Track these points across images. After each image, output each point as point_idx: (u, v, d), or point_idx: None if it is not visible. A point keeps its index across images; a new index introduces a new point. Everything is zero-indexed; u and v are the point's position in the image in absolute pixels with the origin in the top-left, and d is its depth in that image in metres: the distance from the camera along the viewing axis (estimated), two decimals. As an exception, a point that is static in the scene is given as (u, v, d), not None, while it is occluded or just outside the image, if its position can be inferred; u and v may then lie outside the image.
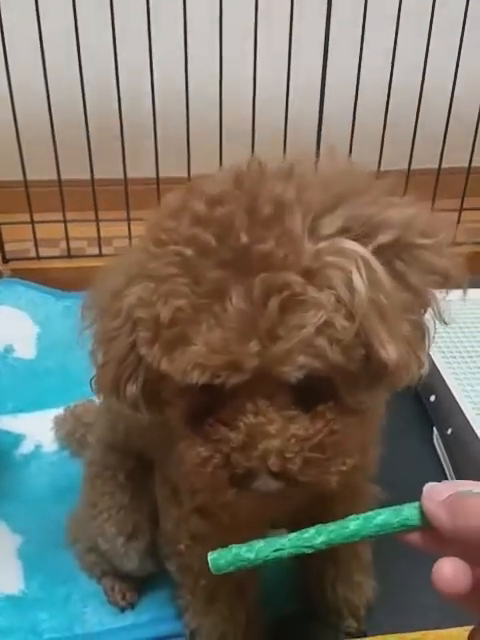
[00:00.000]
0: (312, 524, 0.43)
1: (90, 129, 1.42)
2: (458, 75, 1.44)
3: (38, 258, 1.55)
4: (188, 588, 0.81)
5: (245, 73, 1.39)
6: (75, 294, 1.37)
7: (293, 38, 1.37)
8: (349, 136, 1.46)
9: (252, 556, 0.43)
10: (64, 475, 1.11)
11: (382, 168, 1.45)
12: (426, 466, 1.09)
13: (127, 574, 0.92)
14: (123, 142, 1.44)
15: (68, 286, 1.44)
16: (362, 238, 0.52)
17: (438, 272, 0.55)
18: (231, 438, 0.52)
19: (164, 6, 1.34)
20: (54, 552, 0.98)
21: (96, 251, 1.55)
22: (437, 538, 0.41)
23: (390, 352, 0.51)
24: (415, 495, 0.42)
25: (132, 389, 0.59)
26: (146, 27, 1.32)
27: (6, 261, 1.55)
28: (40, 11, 1.29)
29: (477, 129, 1.52)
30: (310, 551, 0.43)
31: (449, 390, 1.13)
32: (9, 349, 1.34)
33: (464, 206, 1.56)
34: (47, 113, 1.40)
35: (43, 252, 1.55)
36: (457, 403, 1.10)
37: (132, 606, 0.94)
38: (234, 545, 0.43)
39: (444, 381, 1.14)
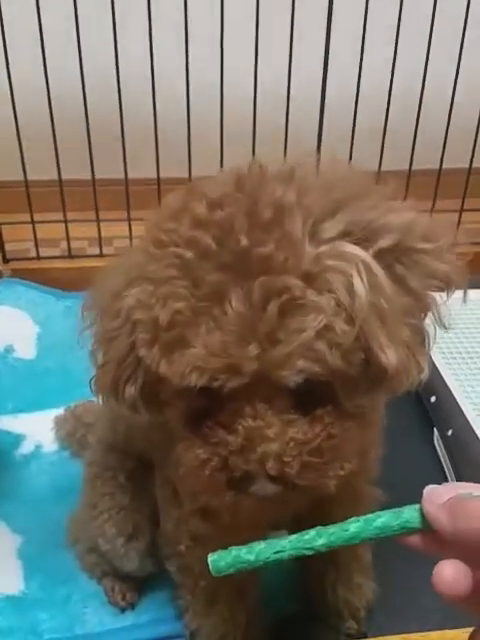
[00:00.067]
0: (313, 526, 0.43)
1: (91, 129, 1.42)
2: (458, 81, 1.44)
3: (38, 258, 1.55)
4: (188, 589, 0.81)
5: (246, 75, 1.38)
6: (75, 294, 1.36)
7: (294, 41, 1.37)
8: (349, 140, 1.45)
9: (252, 558, 0.43)
10: (64, 475, 1.11)
11: (382, 168, 1.45)
12: (426, 467, 1.09)
13: (127, 575, 0.92)
14: (124, 142, 1.44)
15: (68, 286, 1.44)
16: (363, 242, 0.52)
17: (438, 276, 0.55)
18: (229, 441, 0.52)
19: (165, 5, 1.34)
20: (54, 552, 0.98)
21: (97, 251, 1.55)
22: (437, 540, 0.41)
23: (390, 356, 0.51)
24: (415, 496, 0.42)
25: (131, 390, 0.59)
26: (147, 27, 1.32)
27: (6, 261, 1.55)
28: (40, 8, 1.29)
29: (478, 130, 1.52)
30: (310, 553, 0.43)
31: (450, 391, 1.13)
32: (9, 349, 1.34)
33: (465, 207, 1.56)
34: (48, 112, 1.40)
35: (43, 252, 1.55)
36: (458, 404, 1.10)
37: (132, 607, 0.94)
38: (234, 547, 0.43)
39: (445, 382, 1.14)
